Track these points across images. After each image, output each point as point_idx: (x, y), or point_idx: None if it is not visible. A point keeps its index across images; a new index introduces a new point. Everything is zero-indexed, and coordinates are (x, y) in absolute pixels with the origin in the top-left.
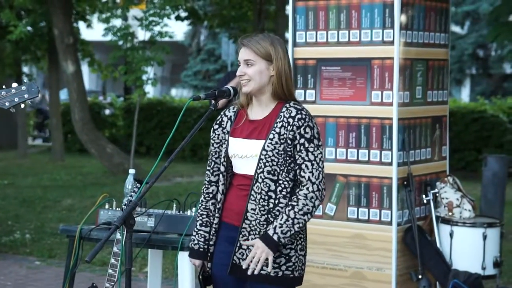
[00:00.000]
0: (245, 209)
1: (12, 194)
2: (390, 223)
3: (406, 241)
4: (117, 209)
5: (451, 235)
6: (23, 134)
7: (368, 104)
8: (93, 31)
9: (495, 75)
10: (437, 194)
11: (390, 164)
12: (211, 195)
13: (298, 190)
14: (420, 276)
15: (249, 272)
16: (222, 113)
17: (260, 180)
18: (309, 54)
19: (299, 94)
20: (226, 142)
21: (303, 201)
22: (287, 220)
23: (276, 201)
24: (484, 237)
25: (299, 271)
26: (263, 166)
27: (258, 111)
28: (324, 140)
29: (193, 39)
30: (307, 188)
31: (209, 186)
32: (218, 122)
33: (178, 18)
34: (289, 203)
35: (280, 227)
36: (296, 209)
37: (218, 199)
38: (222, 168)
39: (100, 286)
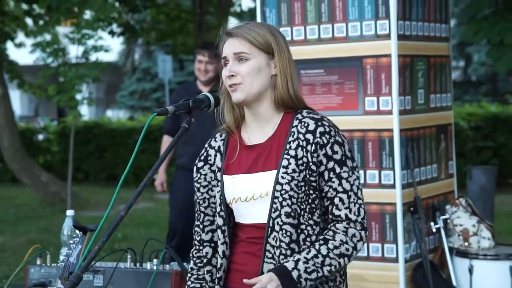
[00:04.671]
0: (260, 272)
1: None
2: (396, 260)
3: (417, 280)
4: (53, 264)
5: (470, 270)
6: None
7: (361, 114)
8: (23, 54)
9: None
10: (449, 221)
11: (393, 186)
12: (204, 260)
13: (333, 223)
14: None
15: None
16: (206, 145)
17: (277, 228)
18: None
19: None
20: (219, 184)
21: (342, 236)
22: (315, 256)
23: None
24: None
25: None
26: (279, 207)
27: (257, 131)
28: None
29: (128, 58)
30: (348, 223)
31: (200, 248)
32: (202, 158)
33: (112, 33)
34: (320, 237)
35: (304, 263)
36: (330, 245)
37: (219, 265)
38: (220, 221)
39: None
